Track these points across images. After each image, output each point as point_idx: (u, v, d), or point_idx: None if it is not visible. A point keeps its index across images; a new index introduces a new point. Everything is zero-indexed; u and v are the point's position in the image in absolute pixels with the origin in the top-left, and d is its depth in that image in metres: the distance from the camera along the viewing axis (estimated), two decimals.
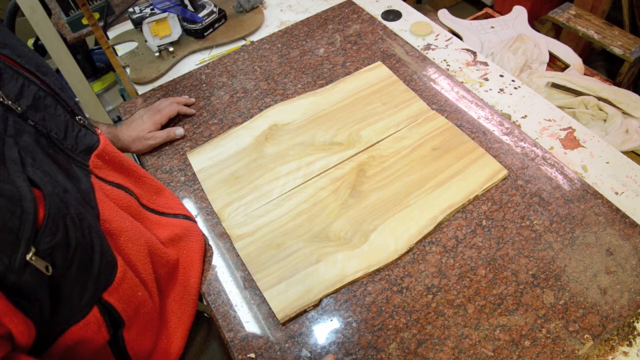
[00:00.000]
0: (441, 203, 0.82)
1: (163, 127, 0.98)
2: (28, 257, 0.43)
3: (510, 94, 1.01)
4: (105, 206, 0.59)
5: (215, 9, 1.22)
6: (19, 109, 0.54)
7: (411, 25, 1.19)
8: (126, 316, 0.58)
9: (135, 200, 0.69)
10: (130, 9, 1.20)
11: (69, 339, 0.51)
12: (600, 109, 1.38)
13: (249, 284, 0.77)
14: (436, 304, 0.72)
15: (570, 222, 0.79)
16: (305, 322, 0.72)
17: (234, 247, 0.80)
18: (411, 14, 1.23)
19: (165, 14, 1.14)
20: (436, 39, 1.16)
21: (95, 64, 1.97)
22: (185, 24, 1.20)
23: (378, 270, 0.76)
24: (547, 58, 1.61)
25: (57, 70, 1.65)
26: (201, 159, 0.94)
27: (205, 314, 0.83)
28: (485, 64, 1.08)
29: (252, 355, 0.70)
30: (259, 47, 1.17)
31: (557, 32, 1.94)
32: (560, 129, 0.94)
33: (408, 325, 0.70)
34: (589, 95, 1.41)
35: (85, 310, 0.52)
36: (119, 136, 0.93)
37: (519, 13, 1.81)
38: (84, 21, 1.44)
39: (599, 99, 1.40)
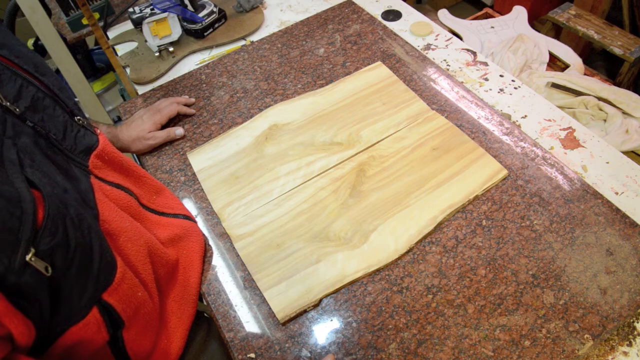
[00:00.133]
0: (441, 203, 0.82)
1: (163, 127, 0.98)
2: (28, 257, 0.43)
3: (510, 94, 1.01)
4: (105, 206, 0.59)
5: (215, 9, 1.22)
6: (18, 110, 0.54)
7: (411, 25, 1.19)
8: (126, 316, 0.58)
9: (135, 200, 0.69)
10: (130, 9, 1.20)
11: (69, 339, 0.51)
12: (600, 109, 1.38)
13: (249, 284, 0.77)
14: (436, 304, 0.72)
15: (570, 222, 0.79)
16: (305, 322, 0.72)
17: (234, 247, 0.80)
18: (411, 14, 1.23)
19: (165, 14, 1.14)
20: (436, 39, 1.16)
21: (95, 64, 1.97)
22: (185, 24, 1.20)
23: (378, 270, 0.76)
24: (547, 58, 1.61)
25: (57, 71, 1.65)
26: (201, 159, 0.94)
27: (205, 314, 0.83)
28: (485, 64, 1.08)
29: (252, 355, 0.70)
30: (259, 47, 1.17)
31: (557, 32, 1.94)
32: (560, 129, 0.94)
33: (408, 325, 0.70)
34: (589, 95, 1.41)
35: (85, 310, 0.52)
36: (118, 136, 0.93)
37: (519, 13, 1.81)
38: (84, 21, 1.44)
39: (599, 99, 1.39)
